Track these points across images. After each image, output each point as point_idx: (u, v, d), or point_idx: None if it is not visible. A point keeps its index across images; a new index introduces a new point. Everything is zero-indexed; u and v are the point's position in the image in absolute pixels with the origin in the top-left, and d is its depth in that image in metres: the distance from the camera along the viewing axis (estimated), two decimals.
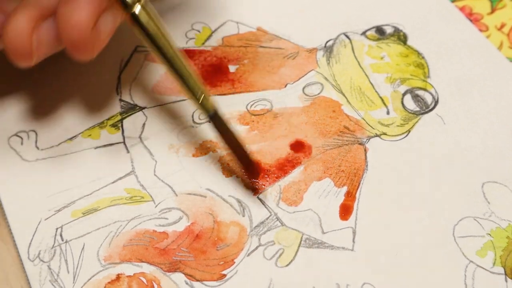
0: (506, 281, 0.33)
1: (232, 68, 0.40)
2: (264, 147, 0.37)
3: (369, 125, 0.38)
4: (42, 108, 0.38)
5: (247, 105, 0.39)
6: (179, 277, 0.32)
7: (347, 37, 0.42)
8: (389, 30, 0.43)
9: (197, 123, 0.38)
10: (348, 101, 0.39)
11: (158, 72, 0.40)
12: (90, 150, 0.37)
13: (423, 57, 0.41)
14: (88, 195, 0.35)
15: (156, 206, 0.35)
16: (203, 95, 0.33)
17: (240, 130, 0.37)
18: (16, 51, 0.31)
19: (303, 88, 0.40)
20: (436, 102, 0.39)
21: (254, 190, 0.35)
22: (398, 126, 0.38)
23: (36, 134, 0.37)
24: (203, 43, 0.42)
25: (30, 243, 0.33)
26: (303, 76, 0.40)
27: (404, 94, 0.39)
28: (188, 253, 0.33)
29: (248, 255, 0.33)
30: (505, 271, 0.33)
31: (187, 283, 0.32)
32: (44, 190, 0.35)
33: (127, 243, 0.33)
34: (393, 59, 0.41)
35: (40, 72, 0.39)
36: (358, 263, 0.33)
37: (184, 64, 0.32)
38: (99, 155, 0.36)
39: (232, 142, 0.34)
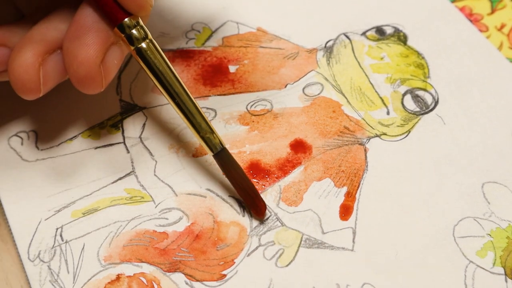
0: (506, 281, 0.33)
1: (232, 68, 0.40)
2: (264, 147, 0.37)
3: (369, 125, 0.38)
4: (42, 109, 0.38)
5: (247, 105, 0.39)
6: (179, 277, 0.32)
7: (347, 37, 0.42)
8: (389, 30, 0.43)
9: None
10: (348, 101, 0.39)
11: None
12: (90, 150, 0.37)
13: (423, 58, 0.41)
14: (88, 195, 0.35)
15: (156, 206, 0.35)
16: (209, 132, 0.33)
17: (240, 130, 0.37)
18: (24, 86, 0.30)
19: (303, 88, 0.40)
20: (436, 103, 0.39)
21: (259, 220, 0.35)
22: (398, 126, 0.38)
23: (36, 134, 0.37)
24: (203, 44, 0.42)
25: (30, 243, 0.33)
26: (303, 77, 0.40)
27: (404, 95, 0.39)
28: (188, 253, 0.33)
29: (248, 255, 0.33)
30: (505, 272, 0.33)
31: (187, 283, 0.32)
32: (44, 190, 0.35)
33: (127, 243, 0.33)
34: (393, 60, 0.41)
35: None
36: (358, 263, 0.33)
37: (191, 101, 0.32)
38: (99, 155, 0.36)
39: (238, 179, 0.34)
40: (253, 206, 0.34)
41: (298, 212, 0.34)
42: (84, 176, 0.36)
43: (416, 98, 0.39)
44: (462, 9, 0.44)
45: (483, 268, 0.33)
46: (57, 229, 0.34)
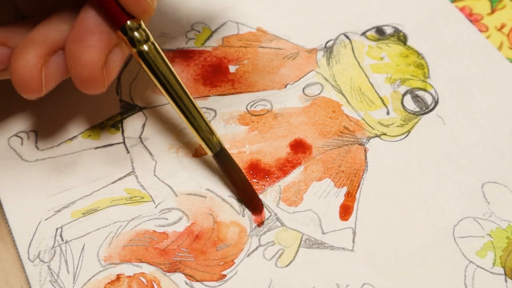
0: (506, 281, 0.33)
1: (232, 69, 0.40)
2: (264, 148, 0.37)
3: (369, 125, 0.38)
4: (42, 109, 0.38)
5: (247, 105, 0.39)
6: (179, 277, 0.32)
7: (347, 37, 0.42)
8: (389, 30, 0.43)
9: None
10: (348, 101, 0.39)
11: None
12: (90, 150, 0.37)
13: (423, 58, 0.41)
14: (88, 196, 0.35)
15: (156, 207, 0.35)
16: (209, 133, 0.33)
17: (240, 130, 0.37)
18: (26, 86, 0.31)
19: (303, 89, 0.40)
20: (436, 103, 0.39)
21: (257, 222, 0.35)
22: (398, 126, 0.38)
23: (36, 134, 0.37)
24: (203, 44, 0.42)
25: (30, 244, 0.33)
26: (303, 77, 0.40)
27: (404, 95, 0.39)
28: (188, 253, 0.33)
29: (248, 255, 0.33)
30: (505, 272, 0.33)
31: (187, 284, 0.32)
32: (44, 191, 0.35)
33: (127, 244, 0.33)
34: (393, 60, 0.41)
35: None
36: (358, 263, 0.33)
37: (191, 102, 0.33)
38: (99, 155, 0.36)
39: (237, 179, 0.34)
40: (251, 206, 0.34)
41: (298, 212, 0.34)
42: (84, 176, 0.36)
43: (416, 98, 0.39)
44: (462, 9, 0.44)
45: (483, 268, 0.33)
46: (57, 229, 0.34)
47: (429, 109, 0.39)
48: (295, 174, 0.36)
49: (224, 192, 0.35)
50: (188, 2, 0.44)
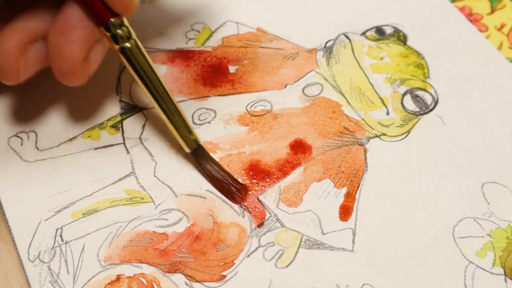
0: (505, 281, 0.33)
1: (232, 69, 0.40)
2: (264, 148, 0.37)
3: (369, 125, 0.38)
4: (42, 109, 0.38)
5: (247, 105, 0.39)
6: (179, 278, 0.32)
7: (347, 37, 0.42)
8: (389, 30, 0.43)
9: (197, 124, 0.38)
10: (348, 101, 0.39)
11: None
12: (90, 151, 0.37)
13: (423, 58, 0.41)
14: (88, 196, 0.35)
15: (156, 207, 0.35)
16: (188, 131, 0.34)
17: (240, 131, 0.37)
18: (4, 73, 0.31)
19: (303, 89, 0.40)
20: (436, 103, 0.39)
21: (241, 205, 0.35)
22: (397, 126, 0.38)
23: (36, 134, 0.37)
24: (203, 44, 0.42)
25: (30, 244, 0.33)
26: (303, 77, 0.40)
27: (404, 95, 0.39)
28: (188, 254, 0.33)
29: (248, 256, 0.33)
30: (504, 272, 0.33)
31: (187, 284, 0.32)
32: (44, 191, 0.35)
33: (127, 244, 0.33)
34: (393, 60, 0.41)
35: (40, 73, 0.39)
36: (358, 264, 0.33)
37: (171, 99, 0.33)
38: (99, 156, 0.36)
39: (216, 172, 0.35)
40: (235, 196, 0.35)
41: (298, 213, 0.34)
42: (84, 176, 0.36)
43: (416, 98, 0.39)
44: (462, 9, 0.44)
45: (483, 269, 0.33)
46: (57, 229, 0.34)
47: (429, 109, 0.39)
48: (295, 175, 0.36)
49: None
50: (188, 2, 0.44)
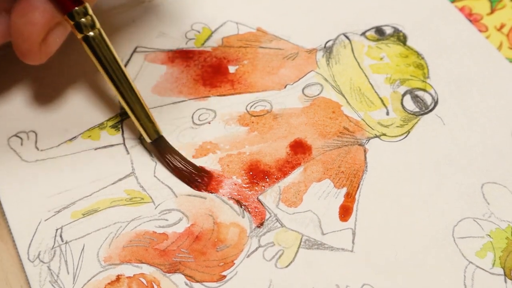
0: (505, 282, 0.33)
1: (231, 69, 0.40)
2: (263, 148, 0.37)
3: (368, 126, 0.38)
4: (42, 109, 0.38)
5: (247, 106, 0.39)
6: (179, 278, 0.32)
7: (347, 37, 0.42)
8: (388, 30, 0.43)
9: (197, 124, 0.38)
10: (347, 102, 0.39)
11: (158, 73, 0.40)
12: (90, 151, 0.37)
13: (422, 58, 0.41)
14: (88, 196, 0.35)
15: (156, 208, 0.35)
16: (149, 121, 0.34)
17: (240, 131, 0.37)
18: None
19: (303, 89, 0.40)
20: (436, 103, 0.39)
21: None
22: (397, 127, 0.38)
23: (36, 134, 0.37)
24: (203, 44, 0.42)
25: (30, 244, 0.33)
26: (302, 77, 0.40)
27: (403, 95, 0.39)
28: (188, 254, 0.33)
29: (248, 256, 0.33)
30: (504, 272, 0.33)
31: (187, 284, 0.32)
32: (44, 191, 0.35)
33: (127, 244, 0.33)
34: (392, 60, 0.41)
35: (40, 72, 0.39)
36: (357, 264, 0.33)
37: (134, 89, 0.34)
38: (99, 156, 0.36)
39: (177, 161, 0.35)
40: (197, 184, 0.35)
41: (298, 213, 0.34)
42: (84, 177, 0.36)
43: (416, 99, 0.39)
44: (461, 9, 0.44)
45: (483, 269, 0.33)
46: (57, 229, 0.34)
47: (429, 109, 0.39)
48: (295, 175, 0.36)
49: (224, 193, 0.35)
50: (188, 2, 0.44)
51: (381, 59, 0.41)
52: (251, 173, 0.36)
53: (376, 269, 0.33)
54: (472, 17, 0.44)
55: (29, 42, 0.31)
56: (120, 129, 0.38)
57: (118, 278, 0.32)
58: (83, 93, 0.39)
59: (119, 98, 0.34)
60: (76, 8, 0.31)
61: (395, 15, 0.44)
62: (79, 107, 0.38)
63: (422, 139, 0.38)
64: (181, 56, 0.41)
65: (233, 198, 0.35)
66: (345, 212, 0.35)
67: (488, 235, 0.34)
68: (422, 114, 0.39)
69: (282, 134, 0.37)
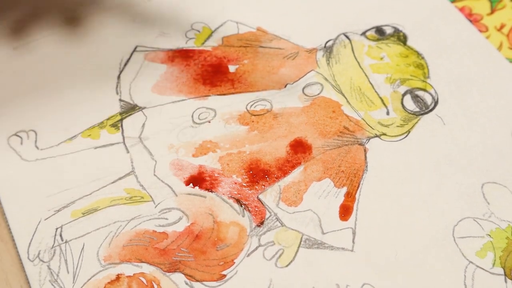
0: (505, 281, 0.33)
1: (232, 68, 0.40)
2: (264, 147, 0.37)
3: (369, 125, 0.38)
4: (42, 108, 0.38)
5: (247, 105, 0.39)
6: (179, 277, 0.32)
7: (347, 37, 0.42)
8: (389, 30, 0.43)
9: (197, 123, 0.38)
10: (348, 101, 0.39)
11: (158, 72, 0.40)
12: (90, 150, 0.37)
13: (423, 58, 0.41)
14: (88, 195, 0.35)
15: (156, 206, 0.35)
16: None
17: (240, 130, 0.37)
18: None
19: (303, 88, 0.40)
20: (436, 103, 0.39)
21: None
22: (398, 126, 0.38)
23: (36, 134, 0.37)
24: (203, 43, 0.42)
25: (30, 243, 0.33)
26: (303, 76, 0.40)
27: (404, 95, 0.39)
28: (188, 253, 0.33)
29: (248, 255, 0.33)
30: (504, 272, 0.33)
31: (187, 283, 0.32)
32: (43, 190, 0.35)
33: (127, 243, 0.33)
34: (393, 60, 0.41)
35: (39, 72, 0.39)
36: (358, 263, 0.33)
37: None
38: (98, 155, 0.36)
39: None
40: None
41: (298, 212, 0.34)
42: (84, 176, 0.36)
43: (416, 98, 0.39)
44: (461, 9, 0.44)
45: (483, 269, 0.33)
46: (56, 229, 0.34)
47: (429, 109, 0.39)
48: (295, 174, 0.36)
49: (224, 192, 0.35)
50: (188, 2, 0.44)
51: (381, 58, 0.41)
52: (251, 172, 0.36)
53: (376, 269, 0.33)
54: (472, 17, 0.44)
55: None
56: (120, 128, 0.38)
57: (118, 277, 0.32)
58: (83, 92, 0.39)
59: None
60: None
61: (395, 15, 0.44)
62: (79, 106, 0.38)
63: (422, 139, 0.38)
64: (181, 55, 0.41)
65: (233, 197, 0.35)
66: (345, 211, 0.35)
67: (488, 235, 0.34)
68: (422, 114, 0.39)
69: (282, 133, 0.37)
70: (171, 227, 0.34)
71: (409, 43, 0.42)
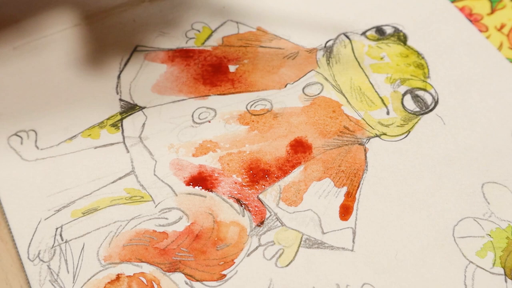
0: (505, 281, 0.33)
1: (232, 68, 0.40)
2: (264, 147, 0.37)
3: (369, 125, 0.38)
4: (42, 108, 0.38)
5: (247, 105, 0.39)
6: (179, 277, 0.32)
7: (347, 37, 0.42)
8: (389, 30, 0.43)
9: (197, 123, 0.38)
10: (348, 101, 0.39)
11: (158, 72, 0.40)
12: (90, 150, 0.37)
13: (423, 58, 0.41)
14: (88, 195, 0.35)
15: (156, 206, 0.35)
16: None
17: (240, 130, 0.37)
18: None
19: (303, 88, 0.40)
20: (436, 103, 0.39)
21: None
22: (398, 126, 0.38)
23: (36, 133, 0.37)
24: (203, 43, 0.42)
25: (30, 243, 0.33)
26: (303, 76, 0.40)
27: (404, 95, 0.39)
28: (188, 253, 0.33)
29: (248, 255, 0.33)
30: (504, 272, 0.33)
31: (187, 283, 0.32)
32: (44, 190, 0.35)
33: (127, 243, 0.33)
34: (393, 59, 0.41)
35: (39, 72, 0.39)
36: (358, 263, 0.33)
37: None
38: (99, 155, 0.36)
39: None
40: None
41: (298, 212, 0.34)
42: (84, 175, 0.36)
43: (416, 98, 0.39)
44: (462, 9, 0.44)
45: (483, 268, 0.33)
46: (56, 228, 0.34)
47: (429, 109, 0.39)
48: (295, 174, 0.36)
49: (224, 192, 0.35)
50: (188, 2, 0.44)
51: (382, 58, 0.41)
52: (251, 171, 0.36)
53: (376, 268, 0.33)
54: (472, 17, 0.44)
55: None
56: (120, 127, 0.38)
57: (118, 277, 0.32)
58: (83, 92, 0.39)
59: None
60: None
61: (395, 15, 0.44)
62: (79, 106, 0.38)
63: (422, 138, 0.38)
64: (181, 55, 0.41)
65: (233, 197, 0.35)
66: (345, 211, 0.35)
67: (489, 234, 0.34)
68: (422, 114, 0.39)
69: (282, 133, 0.37)
70: (171, 227, 0.34)
71: (409, 43, 0.42)
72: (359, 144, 0.37)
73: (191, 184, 0.35)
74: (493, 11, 0.45)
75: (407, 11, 0.44)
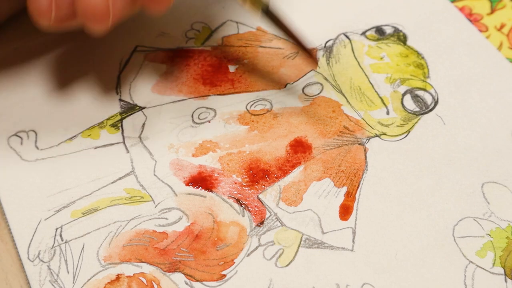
0: (506, 281, 0.33)
1: (231, 68, 0.40)
2: (264, 147, 0.37)
3: (369, 125, 0.38)
4: (42, 108, 0.38)
5: (247, 105, 0.39)
6: (179, 277, 0.32)
7: (347, 37, 0.42)
8: (389, 30, 0.43)
9: (197, 123, 0.38)
10: (348, 101, 0.39)
11: (158, 72, 0.40)
12: (90, 150, 0.37)
13: (422, 57, 0.41)
14: (88, 195, 0.35)
15: (156, 206, 0.35)
16: None
17: (240, 130, 0.37)
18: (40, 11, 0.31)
19: (303, 88, 0.40)
20: (436, 103, 0.39)
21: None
22: (398, 126, 0.38)
23: (36, 134, 0.37)
24: (203, 43, 0.42)
25: (29, 243, 0.33)
26: (303, 76, 0.40)
27: (404, 94, 0.39)
28: (188, 253, 0.33)
29: (248, 255, 0.33)
30: (504, 272, 0.33)
31: (187, 283, 0.32)
32: (43, 190, 0.35)
33: (127, 243, 0.33)
34: (393, 59, 0.41)
35: (39, 72, 0.39)
36: (358, 263, 0.33)
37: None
38: (98, 155, 0.36)
39: (289, 33, 0.37)
40: (308, 54, 0.37)
41: (298, 212, 0.34)
42: (84, 176, 0.36)
43: (416, 98, 0.39)
44: (462, 9, 0.44)
45: (483, 268, 0.33)
46: (56, 229, 0.34)
47: (429, 109, 0.39)
48: (295, 174, 0.36)
49: (224, 192, 0.35)
50: (188, 1, 0.44)
51: (381, 58, 0.41)
52: (251, 172, 0.36)
53: (376, 268, 0.33)
54: (472, 17, 0.44)
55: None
56: (120, 127, 0.38)
57: (118, 277, 0.32)
58: (82, 92, 0.39)
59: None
60: None
61: (395, 15, 0.44)
62: (79, 106, 0.38)
63: (422, 138, 0.38)
64: (181, 55, 0.41)
65: (233, 197, 0.35)
66: (345, 211, 0.35)
67: (489, 234, 0.34)
68: (422, 114, 0.39)
69: (282, 133, 0.37)
70: (171, 227, 0.34)
71: (409, 43, 0.42)
72: (359, 144, 0.37)
73: (191, 184, 0.35)
74: (493, 11, 0.45)
75: (407, 11, 0.44)
